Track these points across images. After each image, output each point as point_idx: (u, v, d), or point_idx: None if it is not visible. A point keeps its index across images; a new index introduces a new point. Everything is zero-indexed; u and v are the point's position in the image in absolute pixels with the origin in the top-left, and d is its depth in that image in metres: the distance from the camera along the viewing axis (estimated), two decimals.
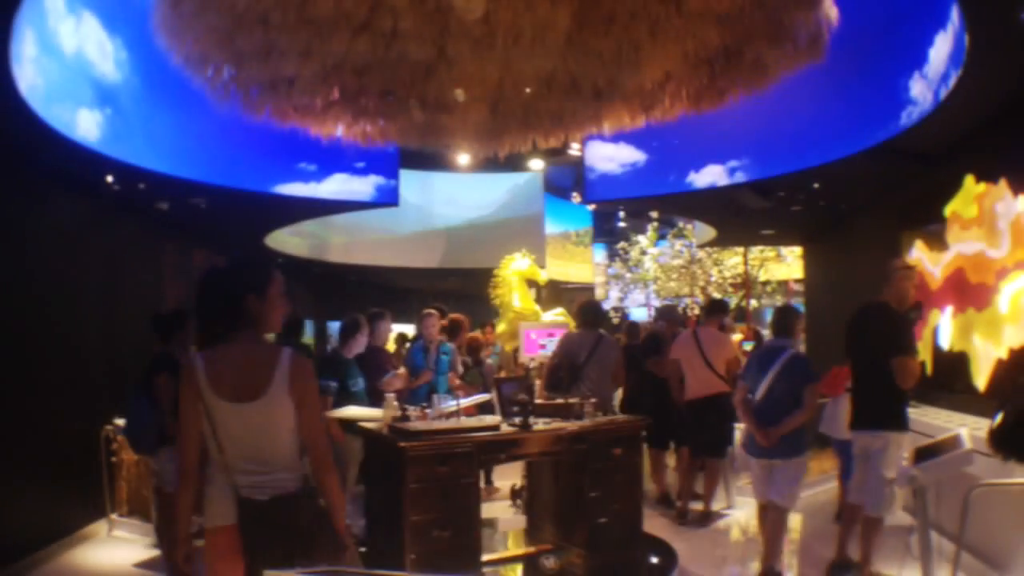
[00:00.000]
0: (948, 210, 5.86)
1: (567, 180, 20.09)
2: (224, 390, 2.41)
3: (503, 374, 8.44)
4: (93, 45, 5.08)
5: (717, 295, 17.60)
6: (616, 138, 7.97)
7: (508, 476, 6.34)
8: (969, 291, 5.47)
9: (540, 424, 4.65)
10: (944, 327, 5.90)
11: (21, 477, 5.01)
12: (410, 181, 13.64)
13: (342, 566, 2.40)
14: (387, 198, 8.45)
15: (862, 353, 4.53)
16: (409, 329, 11.05)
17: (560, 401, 5.17)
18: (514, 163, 14.91)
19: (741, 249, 15.87)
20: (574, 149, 11.30)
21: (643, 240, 20.20)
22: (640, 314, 22.76)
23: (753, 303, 16.68)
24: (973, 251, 5.44)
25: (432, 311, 6.47)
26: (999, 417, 3.33)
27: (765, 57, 4.98)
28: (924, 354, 6.16)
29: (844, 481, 5.36)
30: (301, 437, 2.50)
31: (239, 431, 2.43)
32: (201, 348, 2.54)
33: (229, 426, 2.42)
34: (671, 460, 6.93)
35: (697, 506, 6.19)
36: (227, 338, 2.47)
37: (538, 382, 6.98)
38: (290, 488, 2.48)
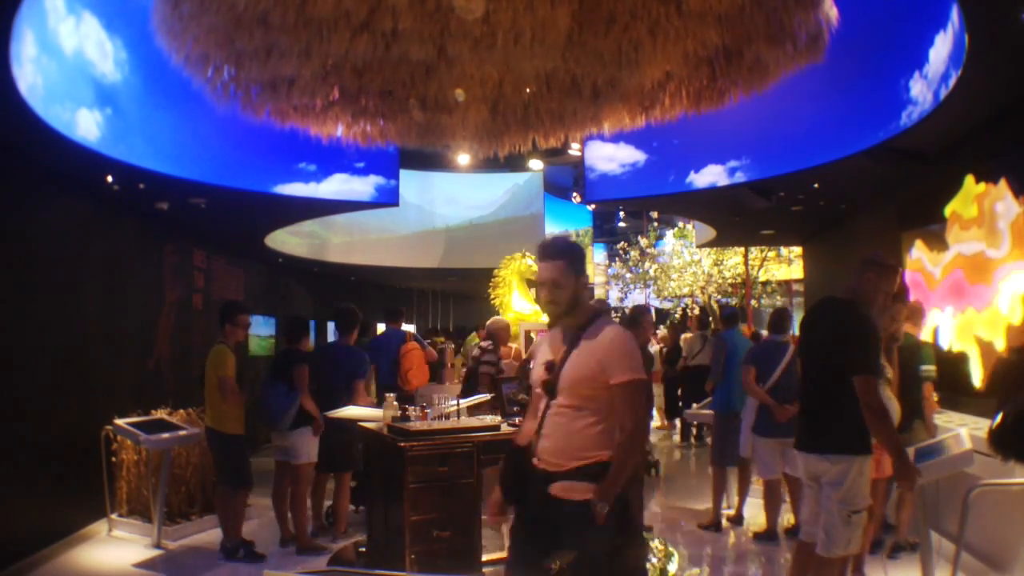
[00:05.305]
0: (948, 210, 5.85)
1: (567, 180, 20.09)
2: None
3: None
4: (93, 45, 5.07)
5: (717, 295, 17.59)
6: (616, 138, 7.96)
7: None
8: (969, 291, 5.47)
9: None
10: (944, 327, 5.90)
11: (21, 477, 5.01)
12: (410, 181, 13.63)
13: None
14: (387, 198, 8.44)
15: (813, 359, 3.70)
16: (410, 329, 11.02)
17: None
18: (514, 163, 14.89)
19: (741, 249, 15.85)
20: (574, 149, 11.29)
21: (643, 241, 20.22)
22: None
23: (753, 303, 16.67)
24: (973, 251, 5.43)
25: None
26: (999, 417, 3.32)
27: (765, 57, 4.97)
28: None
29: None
30: None
31: None
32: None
33: None
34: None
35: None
36: None
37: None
38: None
